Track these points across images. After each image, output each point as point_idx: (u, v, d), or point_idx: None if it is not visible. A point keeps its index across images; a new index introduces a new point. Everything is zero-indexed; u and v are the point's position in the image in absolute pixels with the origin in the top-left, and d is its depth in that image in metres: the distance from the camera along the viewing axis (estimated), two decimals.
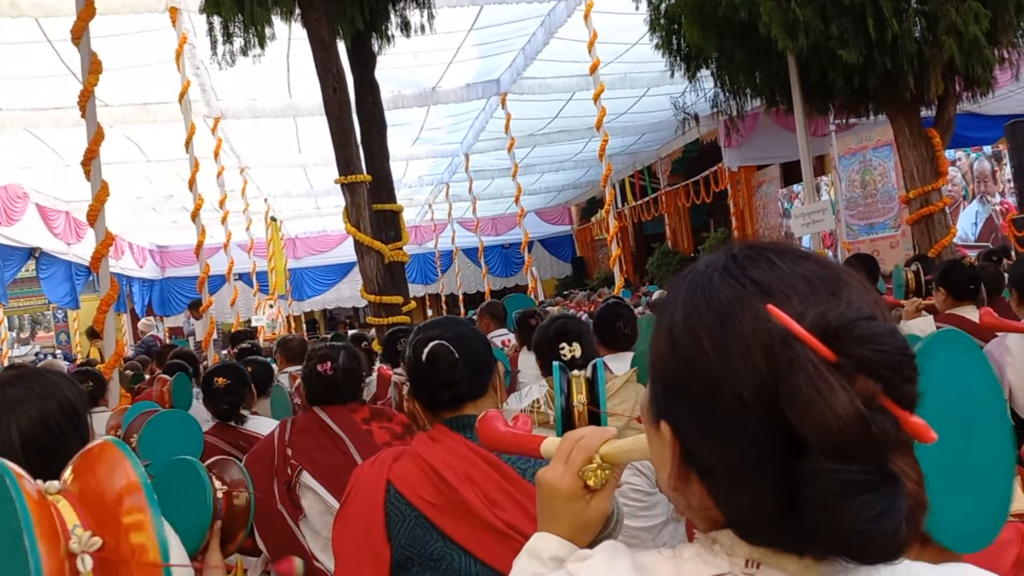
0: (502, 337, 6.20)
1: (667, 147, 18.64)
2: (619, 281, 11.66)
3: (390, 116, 8.73)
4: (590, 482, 1.00)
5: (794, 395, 0.63)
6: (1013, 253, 9.67)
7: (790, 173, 15.57)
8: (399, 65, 10.88)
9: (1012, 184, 11.77)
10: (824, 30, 6.79)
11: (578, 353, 2.86)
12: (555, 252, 27.20)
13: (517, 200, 15.74)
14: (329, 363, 2.94)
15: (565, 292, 20.78)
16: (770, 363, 0.65)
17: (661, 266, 19.16)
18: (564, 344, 2.91)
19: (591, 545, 1.03)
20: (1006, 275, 6.06)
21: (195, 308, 14.12)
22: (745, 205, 17.72)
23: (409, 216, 20.53)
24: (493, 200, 22.34)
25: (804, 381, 0.63)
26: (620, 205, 21.26)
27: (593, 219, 24.23)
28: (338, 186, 7.72)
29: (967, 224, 12.92)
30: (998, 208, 12.53)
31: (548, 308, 10.62)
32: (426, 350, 1.89)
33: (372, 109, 8.20)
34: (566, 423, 1.28)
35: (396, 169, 8.81)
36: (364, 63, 8.26)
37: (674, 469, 0.75)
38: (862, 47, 6.83)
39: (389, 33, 8.30)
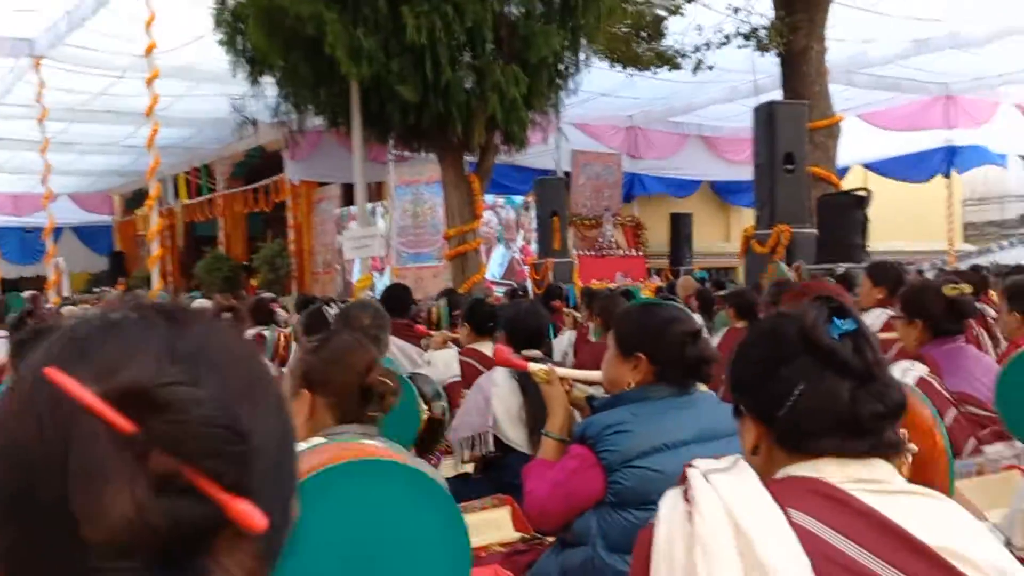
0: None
1: (228, 148, 17.87)
2: (157, 283, 10.82)
3: None
4: None
5: (74, 477, 0.54)
6: (531, 292, 10.91)
7: (351, 194, 15.90)
8: None
9: (536, 231, 13.38)
10: (386, 63, 6.98)
11: None
12: (91, 243, 24.44)
13: (45, 180, 13.77)
14: None
15: (96, 289, 18.77)
16: (63, 438, 0.55)
17: (211, 271, 18.30)
18: None
19: None
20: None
21: None
22: (304, 219, 17.72)
23: None
24: (16, 175, 19.37)
25: (85, 460, 0.54)
26: (172, 201, 19.91)
27: (137, 212, 22.27)
28: None
29: (495, 265, 14.39)
30: (518, 254, 14.21)
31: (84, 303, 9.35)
32: None
33: None
34: None
35: None
36: None
37: None
38: (419, 87, 7.15)
39: None
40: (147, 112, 10.44)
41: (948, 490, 1.63)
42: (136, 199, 23.02)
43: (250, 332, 4.85)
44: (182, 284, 19.93)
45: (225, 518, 0.54)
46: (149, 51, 10.19)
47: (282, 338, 5.62)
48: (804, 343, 1.15)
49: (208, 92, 13.67)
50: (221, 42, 8.59)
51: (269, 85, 8.95)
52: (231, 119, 11.25)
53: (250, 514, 0.55)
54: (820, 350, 1.14)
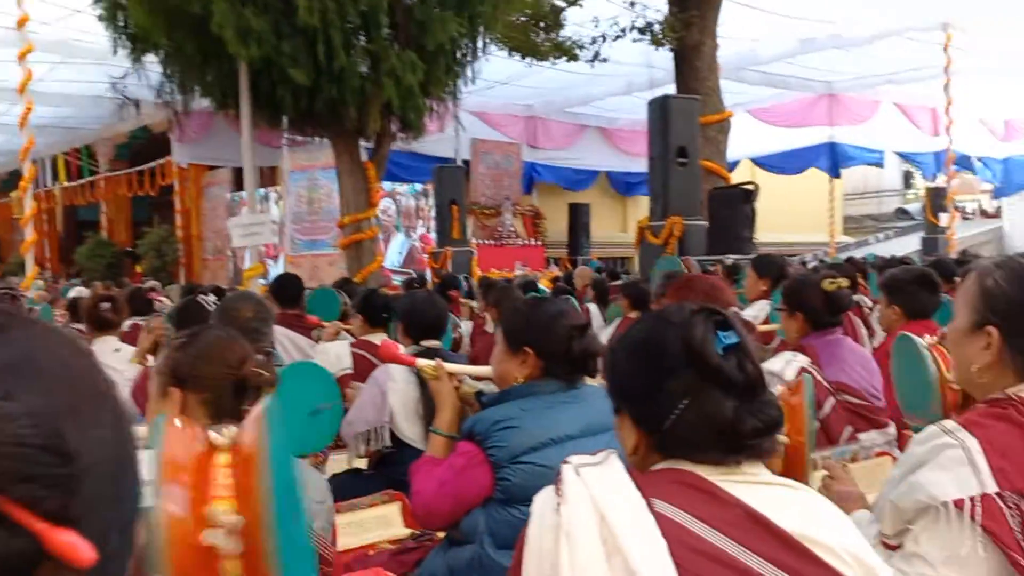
0: None
1: (111, 128, 17.02)
2: (32, 270, 10.21)
3: None
4: None
5: None
6: (429, 280, 10.83)
7: (243, 178, 15.42)
8: None
9: (435, 220, 13.27)
10: (277, 45, 6.74)
11: None
12: None
13: None
14: None
15: None
16: None
17: (92, 257, 17.51)
18: None
19: None
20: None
21: None
22: (192, 204, 17.11)
23: None
24: None
25: None
26: (50, 184, 18.84)
27: (12, 195, 21.03)
28: None
29: (394, 253, 14.21)
30: (418, 243, 14.07)
31: None
32: None
33: None
34: None
35: None
36: None
37: None
38: (312, 70, 6.94)
39: None
40: (20, 89, 9.81)
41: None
42: (12, 180, 21.69)
43: (127, 323, 4.61)
44: (61, 271, 18.94)
45: (44, 551, 0.47)
46: (21, 24, 9.58)
47: None
48: (690, 358, 1.16)
49: (88, 69, 12.95)
50: (101, 17, 8.11)
51: (153, 63, 8.51)
52: (112, 98, 10.67)
53: (75, 546, 0.48)
54: (707, 367, 1.15)
